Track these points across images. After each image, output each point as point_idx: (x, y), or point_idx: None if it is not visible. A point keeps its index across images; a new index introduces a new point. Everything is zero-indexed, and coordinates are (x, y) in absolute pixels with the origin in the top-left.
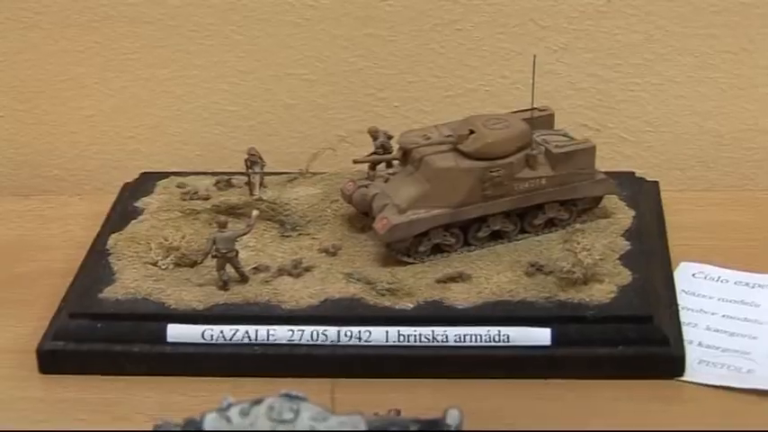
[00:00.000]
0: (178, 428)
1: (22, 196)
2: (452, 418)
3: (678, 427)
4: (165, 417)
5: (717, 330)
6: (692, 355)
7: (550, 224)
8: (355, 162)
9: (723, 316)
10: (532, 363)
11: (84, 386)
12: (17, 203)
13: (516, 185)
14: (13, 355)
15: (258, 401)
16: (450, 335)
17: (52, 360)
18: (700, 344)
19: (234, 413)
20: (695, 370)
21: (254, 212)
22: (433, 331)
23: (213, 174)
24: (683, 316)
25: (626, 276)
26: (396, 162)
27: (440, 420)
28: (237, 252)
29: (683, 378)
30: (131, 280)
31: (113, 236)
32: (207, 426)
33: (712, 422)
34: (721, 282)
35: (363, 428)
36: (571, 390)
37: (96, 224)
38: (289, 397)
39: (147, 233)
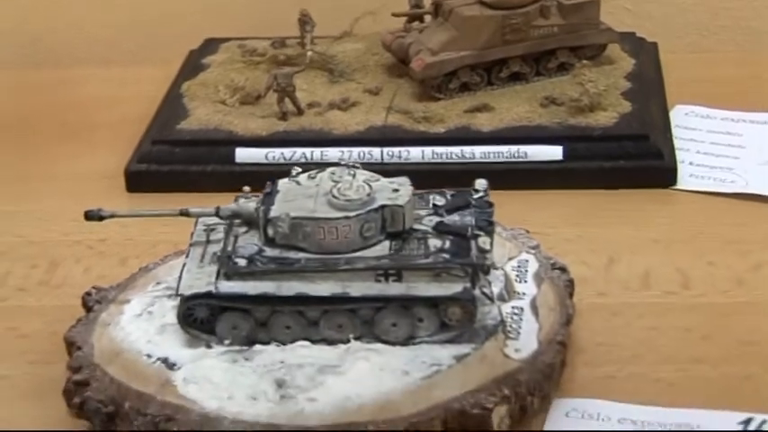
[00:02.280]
0: (255, 196)
1: (103, 67)
2: (480, 185)
3: (674, 222)
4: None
5: (705, 153)
6: (683, 171)
7: (562, 68)
8: (394, 15)
9: (711, 143)
10: (547, 175)
11: (165, 202)
12: (99, 69)
13: (532, 32)
14: (105, 179)
15: (322, 170)
16: (477, 152)
17: (138, 180)
18: (690, 163)
19: (302, 178)
20: (686, 182)
21: (308, 53)
22: (462, 150)
23: (269, 38)
24: (677, 144)
25: (627, 107)
26: (428, 18)
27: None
28: (295, 87)
29: (676, 187)
30: (203, 115)
31: (186, 83)
32: (281, 187)
33: (701, 218)
34: (710, 118)
35: (409, 186)
36: (580, 198)
37: (168, 84)
38: (347, 165)
39: (215, 79)
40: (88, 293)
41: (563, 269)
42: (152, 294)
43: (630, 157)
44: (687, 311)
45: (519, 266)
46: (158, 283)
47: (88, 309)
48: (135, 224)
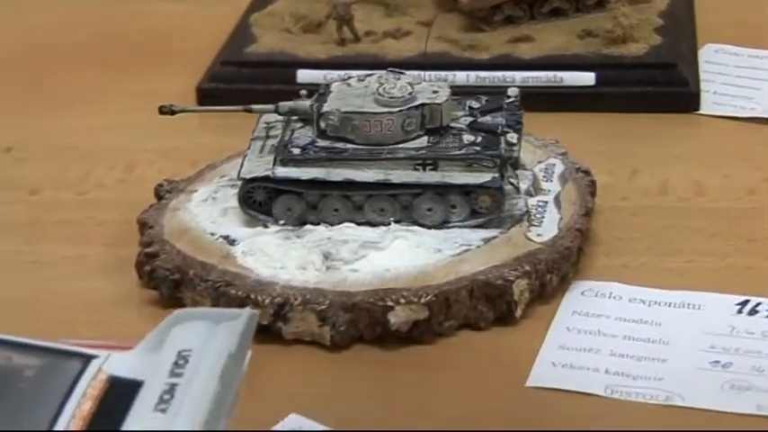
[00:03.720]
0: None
1: (179, 3)
2: (512, 92)
3: (695, 141)
4: None
5: (730, 84)
6: (707, 99)
7: (600, 5)
8: None
9: (736, 76)
10: (580, 99)
11: (231, 116)
12: (175, 5)
13: None
14: (178, 96)
15: (370, 74)
16: (517, 77)
17: (208, 97)
18: (714, 92)
19: (353, 81)
20: (709, 108)
21: None
22: (503, 74)
23: None
24: (703, 75)
25: (657, 40)
26: None
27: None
28: (353, 16)
29: (699, 112)
30: (269, 41)
31: (254, 14)
32: (333, 88)
33: (720, 138)
34: (737, 55)
35: (448, 89)
36: (611, 122)
37: (238, 18)
38: (393, 72)
39: (281, 10)
40: (160, 185)
41: (587, 172)
42: (217, 184)
43: (658, 83)
44: (700, 214)
45: (546, 168)
46: (223, 176)
47: (159, 197)
48: (205, 134)
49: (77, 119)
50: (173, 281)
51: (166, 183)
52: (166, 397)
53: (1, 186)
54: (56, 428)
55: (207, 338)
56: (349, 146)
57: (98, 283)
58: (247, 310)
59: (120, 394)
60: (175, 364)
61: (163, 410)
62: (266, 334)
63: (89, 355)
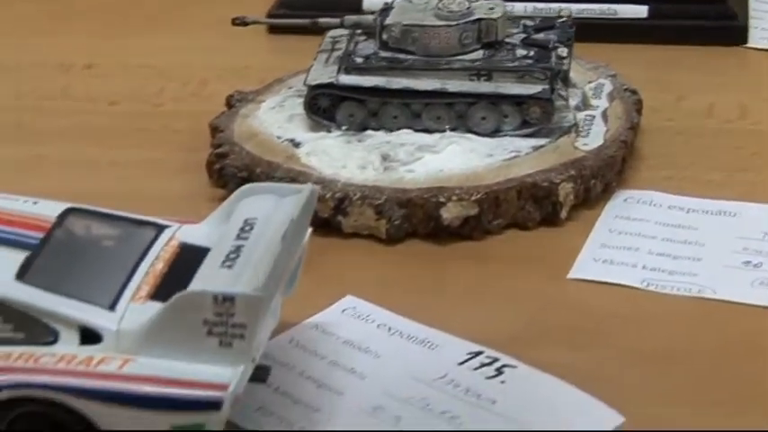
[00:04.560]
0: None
1: None
2: (565, 12)
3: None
4: None
5: None
6: (755, 34)
7: None
8: None
9: None
10: (632, 31)
11: (299, 41)
12: None
13: None
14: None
15: None
16: (573, 8)
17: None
18: (763, 29)
19: None
20: (757, 42)
21: None
22: (559, 6)
23: None
24: (752, 13)
25: None
26: None
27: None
28: None
29: (747, 45)
30: None
31: None
32: (396, 4)
33: (765, 68)
34: None
35: (504, 6)
36: (662, 53)
37: None
38: None
39: None
40: (231, 95)
41: (634, 92)
42: (284, 95)
43: (708, 17)
44: (742, 135)
45: (596, 87)
46: (290, 88)
47: (230, 106)
48: (274, 55)
49: (153, 40)
50: (240, 178)
51: (237, 93)
52: (233, 256)
53: (82, 98)
54: (130, 284)
55: (272, 209)
56: (409, 57)
57: (171, 182)
58: (309, 185)
59: (189, 258)
60: (242, 229)
61: (229, 267)
62: (327, 228)
63: (162, 225)
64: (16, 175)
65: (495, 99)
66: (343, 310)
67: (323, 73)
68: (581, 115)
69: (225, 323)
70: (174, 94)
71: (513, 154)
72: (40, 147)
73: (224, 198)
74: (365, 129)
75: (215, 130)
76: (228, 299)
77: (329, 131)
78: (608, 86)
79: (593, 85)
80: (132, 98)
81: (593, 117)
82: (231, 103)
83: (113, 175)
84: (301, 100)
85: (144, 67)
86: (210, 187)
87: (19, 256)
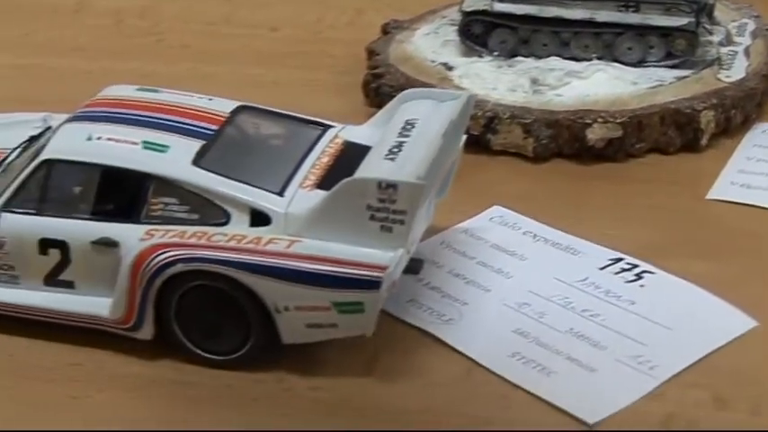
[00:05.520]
0: None
1: None
2: None
3: None
4: None
5: None
6: None
7: None
8: None
9: None
10: None
11: None
12: None
13: None
14: None
15: None
16: None
17: None
18: None
19: None
20: None
21: None
22: None
23: None
24: None
25: None
26: None
27: None
28: None
29: None
30: None
31: None
32: None
33: None
34: None
35: None
36: None
37: None
38: None
39: None
40: (387, 23)
41: None
42: (438, 23)
43: None
44: None
45: (739, 26)
46: (443, 17)
47: (386, 33)
48: None
49: None
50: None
51: (393, 21)
52: (395, 150)
53: (245, 24)
54: (298, 174)
55: (431, 111)
56: None
57: (329, 101)
58: (467, 92)
59: (352, 153)
60: (403, 128)
61: (391, 159)
62: (476, 145)
63: (327, 125)
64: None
65: (642, 30)
66: (491, 218)
67: (478, 0)
68: (724, 50)
69: (387, 209)
70: (332, 22)
71: (656, 83)
72: (207, 66)
73: None
74: (515, 55)
75: (371, 53)
76: (391, 186)
77: (481, 57)
78: (751, 25)
79: (736, 23)
80: (292, 25)
81: (736, 53)
82: (387, 30)
83: (275, 93)
84: (454, 28)
85: None
86: (365, 106)
87: (195, 145)
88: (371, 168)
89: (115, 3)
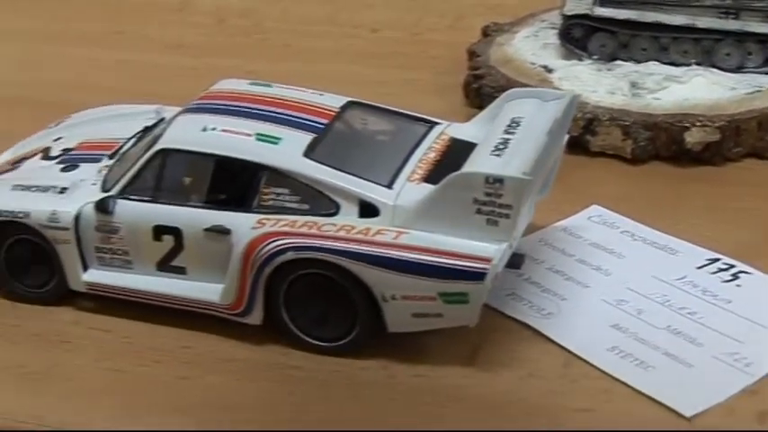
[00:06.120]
0: None
1: None
2: None
3: None
4: None
5: None
6: None
7: None
8: None
9: None
10: None
11: None
12: None
13: None
14: None
15: None
16: None
17: None
18: None
19: None
20: None
21: None
22: None
23: None
24: None
25: None
26: None
27: None
28: None
29: None
30: None
31: None
32: None
33: None
34: None
35: None
36: None
37: None
38: None
39: None
40: (487, 26)
41: None
42: (538, 26)
43: None
44: None
45: None
46: (543, 21)
47: (486, 35)
48: None
49: None
50: (496, 98)
51: (493, 24)
52: (501, 147)
53: (346, 24)
54: (405, 167)
55: (536, 110)
56: None
57: (429, 100)
58: (571, 92)
59: (458, 149)
60: (509, 126)
61: (497, 155)
62: (575, 147)
63: (433, 122)
64: None
65: (741, 36)
66: (590, 217)
67: (579, 4)
68: None
69: (493, 203)
70: (432, 25)
71: (755, 89)
72: (308, 65)
73: None
74: (615, 59)
75: (472, 54)
76: (498, 180)
77: (581, 60)
78: None
79: None
80: (392, 27)
81: None
82: (487, 32)
83: (376, 92)
84: (554, 31)
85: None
86: (465, 106)
87: (307, 138)
88: (479, 163)
89: (216, 2)
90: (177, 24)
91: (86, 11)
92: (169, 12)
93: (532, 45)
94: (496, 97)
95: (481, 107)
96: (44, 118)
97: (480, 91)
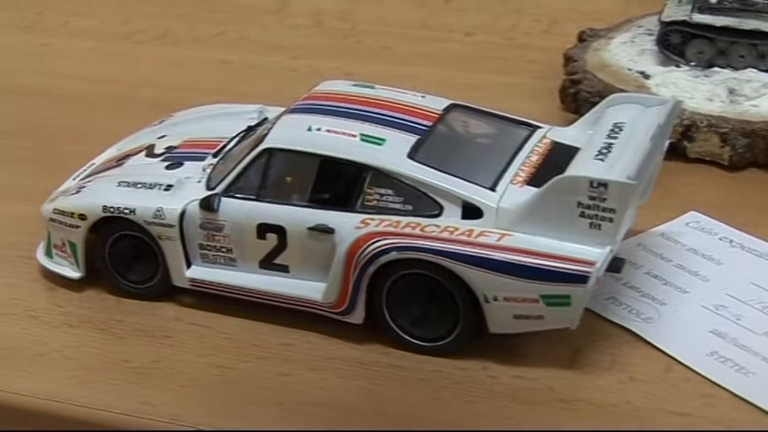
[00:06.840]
0: None
1: None
2: None
3: None
4: None
5: None
6: None
7: None
8: None
9: None
10: None
11: None
12: None
13: None
14: None
15: None
16: None
17: None
18: None
19: None
20: None
21: None
22: None
23: None
24: None
25: None
26: None
27: None
28: None
29: None
30: None
31: None
32: None
33: None
34: None
35: None
36: None
37: None
38: None
39: None
40: (583, 31)
41: None
42: (635, 32)
43: None
44: None
45: None
46: (639, 27)
47: (582, 40)
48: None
49: None
50: (593, 103)
51: (589, 30)
52: (604, 151)
53: (441, 28)
54: (508, 170)
55: (638, 115)
56: (761, 0)
57: (524, 105)
58: (674, 97)
59: (561, 153)
60: (611, 130)
61: (601, 159)
62: (673, 153)
63: (535, 125)
64: None
65: None
66: (687, 223)
67: (677, 11)
68: None
69: (597, 207)
70: (527, 29)
71: None
72: (404, 67)
73: (574, 122)
74: (712, 66)
75: (569, 59)
76: (603, 184)
77: (678, 66)
78: None
79: None
80: (486, 31)
81: None
82: (583, 38)
83: (472, 95)
84: (651, 37)
85: (499, 4)
86: (561, 111)
87: (410, 139)
88: (582, 167)
89: (313, 4)
90: (275, 26)
91: (195, 14)
92: (267, 14)
93: (629, 51)
94: (593, 102)
95: (577, 112)
96: (146, 117)
97: (577, 96)
